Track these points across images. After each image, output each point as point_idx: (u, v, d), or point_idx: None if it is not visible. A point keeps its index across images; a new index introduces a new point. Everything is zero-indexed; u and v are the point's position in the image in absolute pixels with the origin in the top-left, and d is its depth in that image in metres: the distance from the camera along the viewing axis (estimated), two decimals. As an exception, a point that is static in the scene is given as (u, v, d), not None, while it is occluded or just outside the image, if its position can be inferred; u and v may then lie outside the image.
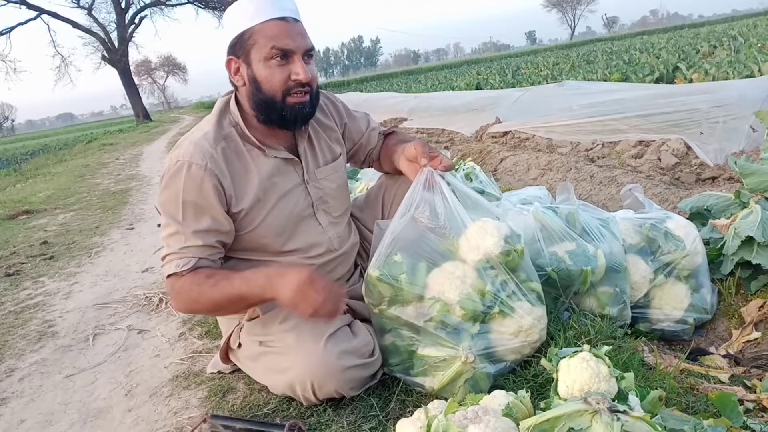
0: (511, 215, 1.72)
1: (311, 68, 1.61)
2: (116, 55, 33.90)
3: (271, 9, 1.55)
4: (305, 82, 1.58)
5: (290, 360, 1.57)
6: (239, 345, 1.80)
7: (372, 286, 1.61)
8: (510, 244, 1.61)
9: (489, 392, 1.35)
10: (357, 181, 3.53)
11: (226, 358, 1.90)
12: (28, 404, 2.06)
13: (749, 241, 2.11)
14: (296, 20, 1.59)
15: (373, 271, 1.60)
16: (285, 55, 1.55)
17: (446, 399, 1.31)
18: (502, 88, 13.21)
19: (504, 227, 1.63)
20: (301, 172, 1.75)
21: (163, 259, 1.61)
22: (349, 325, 1.68)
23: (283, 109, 1.60)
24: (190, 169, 1.55)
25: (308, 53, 1.59)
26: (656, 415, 1.25)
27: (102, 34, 34.30)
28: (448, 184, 1.62)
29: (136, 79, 44.28)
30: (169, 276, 1.58)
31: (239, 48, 1.58)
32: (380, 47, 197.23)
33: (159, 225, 5.13)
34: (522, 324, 1.59)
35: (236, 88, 1.67)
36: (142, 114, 35.60)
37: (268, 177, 1.67)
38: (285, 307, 1.57)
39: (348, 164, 2.04)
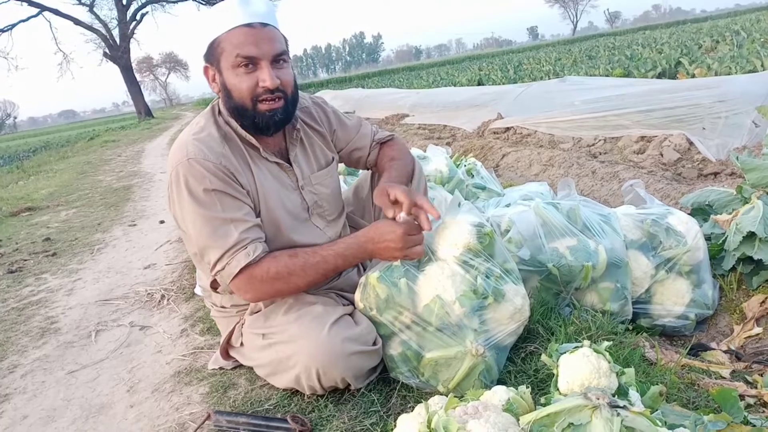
0: (469, 206, 1.74)
1: (284, 73, 1.59)
2: (118, 52, 33.82)
3: (238, 16, 1.53)
4: (272, 89, 1.56)
5: (294, 348, 1.58)
6: (241, 344, 1.81)
7: (370, 288, 1.62)
8: (482, 230, 1.63)
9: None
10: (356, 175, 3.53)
11: (226, 354, 1.91)
12: (30, 400, 2.07)
13: (751, 236, 2.10)
14: (265, 25, 1.56)
15: (373, 273, 1.62)
16: (251, 63, 1.54)
17: (461, 395, 1.31)
18: (504, 83, 13.19)
19: (470, 216, 1.66)
20: (295, 178, 1.75)
21: (215, 263, 1.54)
22: (350, 314, 1.69)
23: (254, 116, 1.59)
24: (205, 165, 1.53)
25: (278, 58, 1.57)
26: (657, 410, 1.25)
27: (103, 31, 34.21)
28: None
29: (137, 76, 44.22)
30: (241, 270, 1.52)
31: (211, 56, 1.60)
32: (382, 43, 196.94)
33: (161, 222, 5.10)
34: (515, 305, 1.61)
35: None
36: (144, 111, 35.56)
37: (266, 179, 1.68)
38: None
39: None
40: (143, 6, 35.22)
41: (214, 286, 1.67)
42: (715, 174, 3.63)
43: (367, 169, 2.07)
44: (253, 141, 1.66)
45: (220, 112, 1.69)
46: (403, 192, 1.58)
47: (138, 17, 34.94)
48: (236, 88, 1.57)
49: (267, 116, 1.59)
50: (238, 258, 1.52)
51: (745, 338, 2.03)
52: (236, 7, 1.54)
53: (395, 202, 1.60)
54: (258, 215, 1.64)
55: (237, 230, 1.53)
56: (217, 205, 1.53)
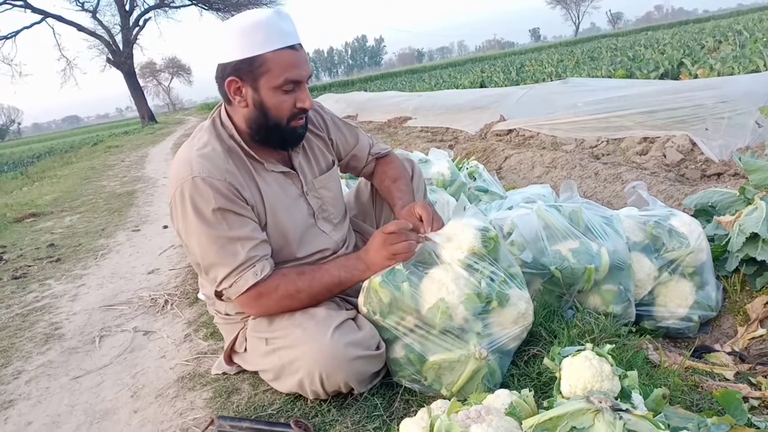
0: (474, 210, 1.76)
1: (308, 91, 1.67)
2: (121, 58, 33.97)
3: (281, 37, 1.55)
4: (309, 109, 1.65)
5: (298, 352, 1.58)
6: (245, 349, 1.81)
7: (373, 292, 1.62)
8: (487, 234, 1.64)
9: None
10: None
11: (230, 360, 1.91)
12: (35, 406, 2.07)
13: (754, 237, 2.10)
14: (301, 46, 1.61)
15: (375, 277, 1.62)
16: (294, 85, 1.59)
17: (463, 399, 1.31)
18: (506, 85, 13.18)
19: (474, 220, 1.67)
20: (300, 184, 1.77)
21: (222, 281, 1.58)
22: (353, 319, 1.69)
23: (285, 132, 1.65)
24: (210, 182, 1.54)
25: (309, 79, 1.65)
26: (660, 413, 1.25)
27: (106, 37, 34.36)
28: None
29: (141, 81, 44.31)
30: (248, 288, 1.56)
31: (246, 71, 1.57)
32: (384, 46, 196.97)
33: (165, 227, 5.11)
34: (519, 309, 1.61)
35: (229, 104, 1.68)
36: (148, 116, 35.65)
37: (271, 191, 1.69)
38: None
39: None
40: (146, 12, 35.41)
41: (219, 295, 1.69)
42: (719, 175, 3.63)
43: (359, 177, 2.14)
44: (257, 156, 1.68)
45: (222, 124, 1.69)
46: (423, 207, 1.72)
47: (141, 23, 35.14)
48: (277, 108, 1.60)
49: (298, 132, 1.69)
50: (246, 277, 1.55)
51: (749, 340, 2.02)
52: (275, 26, 1.55)
53: (420, 219, 1.71)
54: (264, 228, 1.66)
55: (244, 249, 1.56)
56: (223, 223, 1.55)
